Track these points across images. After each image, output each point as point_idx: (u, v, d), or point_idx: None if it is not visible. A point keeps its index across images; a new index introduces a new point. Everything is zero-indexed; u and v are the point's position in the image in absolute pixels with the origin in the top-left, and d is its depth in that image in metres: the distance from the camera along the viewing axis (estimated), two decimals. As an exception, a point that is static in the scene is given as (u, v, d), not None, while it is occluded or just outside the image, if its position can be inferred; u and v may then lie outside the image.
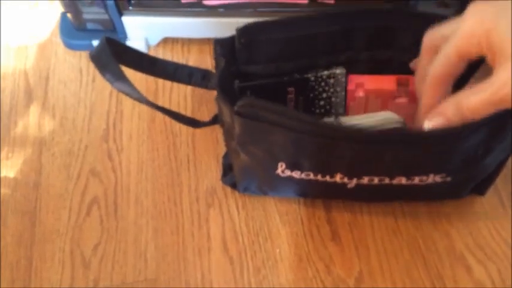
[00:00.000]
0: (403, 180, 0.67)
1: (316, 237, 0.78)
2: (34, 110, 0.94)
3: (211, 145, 0.88)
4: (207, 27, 1.00)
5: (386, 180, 0.67)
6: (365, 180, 0.67)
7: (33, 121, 0.92)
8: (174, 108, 0.93)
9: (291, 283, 0.74)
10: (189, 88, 0.96)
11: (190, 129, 0.90)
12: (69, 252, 0.77)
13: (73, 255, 0.77)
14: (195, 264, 0.76)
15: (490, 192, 0.80)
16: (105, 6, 0.96)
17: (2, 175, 0.85)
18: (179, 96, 0.95)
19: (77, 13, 0.99)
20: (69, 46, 1.03)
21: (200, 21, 0.98)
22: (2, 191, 0.83)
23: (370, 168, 0.66)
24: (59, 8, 1.03)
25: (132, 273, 0.75)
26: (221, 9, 0.97)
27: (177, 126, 0.91)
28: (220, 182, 0.83)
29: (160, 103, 0.94)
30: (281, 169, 0.68)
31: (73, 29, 1.03)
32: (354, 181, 0.68)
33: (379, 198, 0.80)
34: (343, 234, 0.79)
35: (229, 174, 0.80)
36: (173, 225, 0.79)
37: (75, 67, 1.00)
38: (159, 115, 0.92)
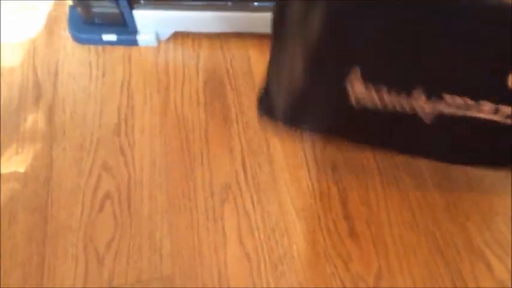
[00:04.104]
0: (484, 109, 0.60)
1: (334, 233, 0.77)
2: (43, 104, 0.92)
3: (225, 140, 0.87)
4: (217, 22, 0.99)
5: (467, 104, 0.60)
6: (446, 101, 0.60)
7: (42, 116, 0.91)
8: (186, 102, 0.92)
9: (309, 281, 0.73)
10: (201, 82, 0.95)
11: (203, 124, 0.89)
12: (83, 248, 0.75)
13: (86, 251, 0.75)
14: (211, 260, 0.74)
15: (507, 189, 0.79)
16: (116, 0, 0.94)
17: (12, 170, 0.84)
18: (191, 90, 0.94)
19: (87, 7, 0.97)
20: (78, 40, 1.01)
21: (211, 15, 0.97)
22: (12, 187, 0.82)
23: (449, 79, 0.59)
24: (67, 1, 1.01)
25: (148, 270, 0.73)
26: (230, 3, 0.96)
27: (190, 120, 0.89)
28: (234, 176, 0.82)
29: (172, 96, 0.93)
30: (354, 82, 0.60)
31: (82, 23, 1.01)
32: (431, 105, 0.60)
33: (451, 151, 0.71)
34: (360, 231, 0.77)
35: (266, 99, 0.75)
36: (188, 221, 0.78)
37: (85, 61, 0.98)
38: (171, 109, 0.91)
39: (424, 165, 0.84)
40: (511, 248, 0.76)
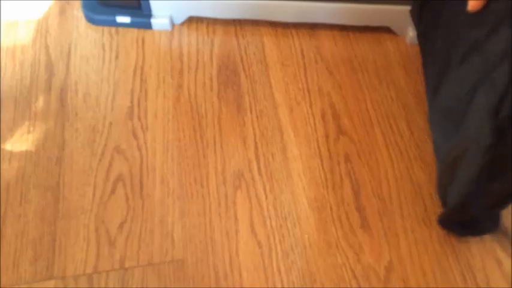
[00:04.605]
0: None
1: (345, 224, 0.77)
2: (55, 85, 0.91)
3: (238, 128, 0.87)
4: (232, 8, 0.98)
5: None
6: None
7: (54, 96, 0.90)
8: (199, 88, 0.91)
9: (320, 270, 0.73)
10: (214, 69, 0.94)
11: (216, 111, 0.88)
12: (94, 230, 0.75)
13: (98, 232, 0.75)
14: (222, 246, 0.74)
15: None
16: (132, -19, 0.93)
17: (24, 149, 0.83)
18: (205, 76, 0.93)
19: (102, -13, 0.97)
20: (92, 21, 1.00)
21: (226, 1, 0.96)
22: (23, 165, 0.81)
23: None
24: (82, -18, 1.01)
25: (159, 253, 0.73)
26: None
27: (203, 107, 0.89)
28: (247, 164, 0.82)
29: (185, 82, 0.92)
30: None
31: (96, 4, 1.00)
32: None
33: None
34: (372, 222, 0.77)
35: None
36: (200, 207, 0.78)
37: (98, 43, 0.97)
38: (184, 95, 0.90)
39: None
40: (522, 245, 0.76)
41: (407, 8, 0.95)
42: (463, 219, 0.74)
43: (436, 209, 0.79)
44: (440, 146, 0.75)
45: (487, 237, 0.76)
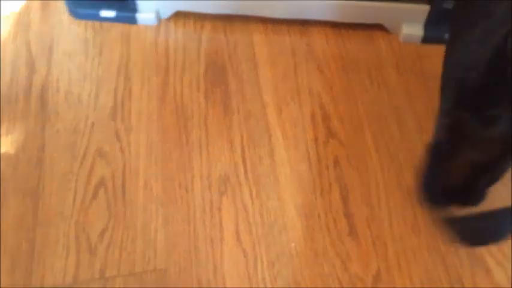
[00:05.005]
0: None
1: (333, 231, 0.75)
2: (36, 82, 0.88)
3: (225, 129, 0.84)
4: (221, 3, 0.94)
5: None
6: None
7: (35, 94, 0.87)
8: (185, 87, 0.88)
9: (306, 280, 0.71)
10: (202, 67, 0.91)
11: (203, 112, 0.86)
12: (74, 238, 0.73)
13: (78, 240, 0.73)
14: (207, 255, 0.72)
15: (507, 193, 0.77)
16: (116, -26, 0.90)
17: (3, 151, 0.80)
18: (191, 75, 0.90)
19: (85, -20, 0.93)
20: (75, 15, 0.97)
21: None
22: (2, 169, 0.79)
23: None
24: (64, -26, 0.97)
25: (141, 262, 0.71)
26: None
27: (189, 107, 0.86)
28: (233, 168, 0.80)
29: (171, 81, 0.89)
30: None
31: (80, -3, 0.97)
32: None
33: None
34: (360, 230, 0.76)
35: None
36: (184, 213, 0.76)
37: (81, 38, 0.94)
38: (170, 94, 0.88)
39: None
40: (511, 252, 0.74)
41: (401, 5, 0.93)
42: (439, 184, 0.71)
43: (425, 217, 0.77)
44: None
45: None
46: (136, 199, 0.77)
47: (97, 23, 0.96)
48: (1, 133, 0.82)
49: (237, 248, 0.73)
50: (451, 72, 0.67)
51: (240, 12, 0.96)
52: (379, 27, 0.96)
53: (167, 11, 0.96)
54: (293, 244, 0.74)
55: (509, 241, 0.75)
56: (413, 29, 0.95)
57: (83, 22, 0.96)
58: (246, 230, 0.75)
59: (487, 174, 0.69)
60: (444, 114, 0.66)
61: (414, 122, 0.87)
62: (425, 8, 0.92)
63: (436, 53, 0.94)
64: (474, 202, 0.73)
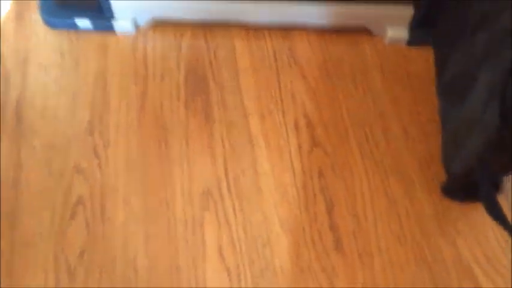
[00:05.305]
0: None
1: (318, 245, 0.74)
2: (12, 97, 0.85)
3: (206, 140, 0.82)
4: (200, 9, 0.92)
5: None
6: None
7: (11, 109, 0.84)
8: (165, 97, 0.86)
9: (291, 296, 0.70)
10: (181, 75, 0.89)
11: (184, 123, 0.84)
12: (53, 259, 0.71)
13: (57, 262, 0.71)
14: (189, 274, 0.71)
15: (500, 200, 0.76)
16: (90, -18, 0.87)
17: (-23, 171, 0.78)
18: (171, 84, 0.88)
19: (58, -12, 0.90)
20: (50, 24, 0.94)
21: (193, 1, 0.90)
22: (-23, 189, 0.76)
23: None
24: (38, -18, 0.94)
25: (122, 282, 0.70)
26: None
27: (169, 118, 0.84)
28: (215, 181, 0.78)
29: (150, 91, 0.87)
30: None
31: (54, 5, 0.94)
32: None
33: None
34: (346, 243, 0.74)
35: None
36: (165, 231, 0.74)
37: (57, 49, 0.91)
38: (149, 105, 0.85)
39: (411, 169, 0.81)
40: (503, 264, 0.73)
41: (386, 7, 0.90)
42: (466, 187, 0.76)
43: (411, 226, 0.76)
44: (447, 115, 0.78)
45: (464, 255, 0.74)
46: (115, 217, 0.75)
47: (73, 34, 0.93)
48: (-24, 151, 0.80)
49: (220, 265, 0.72)
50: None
51: (220, 17, 0.93)
52: (364, 30, 0.94)
53: (144, 18, 0.93)
54: (277, 260, 0.72)
55: (497, 251, 0.74)
56: (398, 32, 0.92)
57: (58, 32, 0.94)
58: (229, 246, 0.73)
59: None
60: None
61: (399, 127, 0.85)
62: (410, 11, 0.89)
63: (421, 56, 0.93)
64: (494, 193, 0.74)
